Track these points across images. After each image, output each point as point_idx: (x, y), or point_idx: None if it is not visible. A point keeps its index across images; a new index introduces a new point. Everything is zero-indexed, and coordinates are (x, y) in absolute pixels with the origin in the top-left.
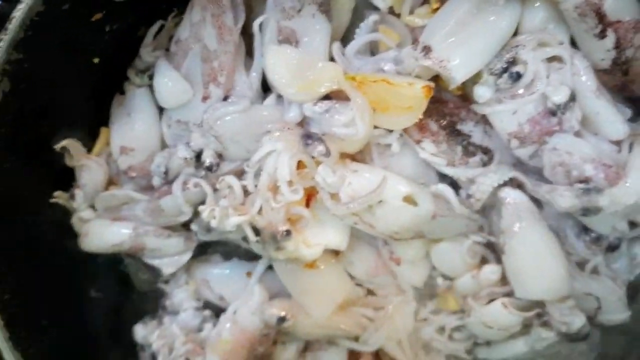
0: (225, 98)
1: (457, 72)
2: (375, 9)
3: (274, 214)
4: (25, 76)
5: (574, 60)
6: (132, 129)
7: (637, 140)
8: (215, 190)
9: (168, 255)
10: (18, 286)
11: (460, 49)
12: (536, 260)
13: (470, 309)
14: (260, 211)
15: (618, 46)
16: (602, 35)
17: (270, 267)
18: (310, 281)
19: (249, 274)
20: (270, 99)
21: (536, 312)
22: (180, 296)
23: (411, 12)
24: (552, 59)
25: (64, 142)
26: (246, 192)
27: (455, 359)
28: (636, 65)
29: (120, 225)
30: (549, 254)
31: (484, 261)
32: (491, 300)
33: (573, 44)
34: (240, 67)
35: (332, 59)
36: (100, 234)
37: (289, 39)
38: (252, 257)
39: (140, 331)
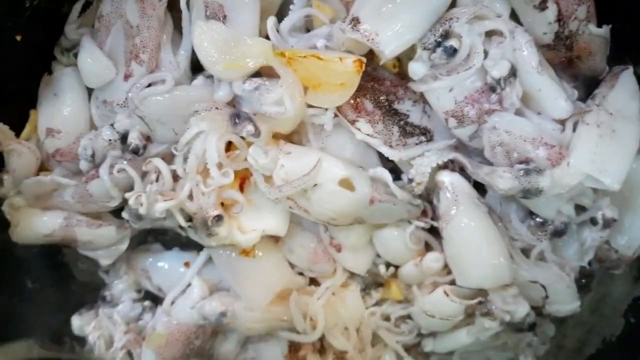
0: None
1: (386, 46)
2: None
3: (205, 198)
4: None
5: (515, 34)
6: (58, 111)
7: (582, 120)
8: (144, 175)
9: (103, 246)
10: None
11: (391, 22)
12: (474, 247)
13: (413, 298)
14: (191, 196)
15: (560, 19)
16: (542, 6)
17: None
18: (248, 269)
19: (187, 264)
20: (199, 79)
21: (478, 301)
22: (119, 287)
23: None
24: (491, 33)
25: None
26: (177, 177)
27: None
28: (581, 39)
29: (51, 214)
30: (487, 240)
31: (429, 248)
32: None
33: (515, 17)
34: (167, 44)
35: (266, 37)
36: (31, 224)
37: (216, 14)
38: (194, 246)
39: (76, 322)
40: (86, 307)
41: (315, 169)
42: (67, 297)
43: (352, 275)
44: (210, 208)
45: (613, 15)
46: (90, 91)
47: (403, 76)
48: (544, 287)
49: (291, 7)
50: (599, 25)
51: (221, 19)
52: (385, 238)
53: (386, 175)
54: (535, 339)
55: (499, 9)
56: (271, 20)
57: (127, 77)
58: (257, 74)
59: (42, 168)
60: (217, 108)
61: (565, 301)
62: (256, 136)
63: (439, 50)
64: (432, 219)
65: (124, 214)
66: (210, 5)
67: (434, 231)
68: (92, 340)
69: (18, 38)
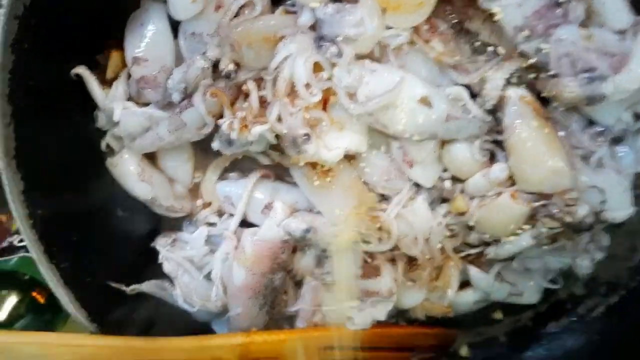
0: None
1: None
2: None
3: (293, 119)
4: None
5: None
6: (144, 40)
7: None
8: (233, 101)
9: None
10: (51, 204)
11: None
12: (536, 154)
13: (479, 207)
14: (279, 118)
15: None
16: None
17: (288, 183)
18: (327, 187)
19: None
20: (280, 9)
21: (542, 203)
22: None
23: None
24: None
25: (77, 70)
26: (262, 103)
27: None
28: None
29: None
30: (549, 148)
31: (492, 161)
32: None
33: None
34: None
35: None
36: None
37: None
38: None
39: (161, 240)
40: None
41: (399, 86)
42: (155, 225)
43: (419, 190)
44: (299, 127)
45: None
46: (173, 25)
47: None
48: (602, 191)
49: None
50: None
51: None
52: (455, 152)
53: (463, 93)
54: (591, 245)
55: None
56: None
57: (217, 8)
58: None
59: None
60: (302, 32)
61: (621, 206)
62: (339, 57)
63: None
64: (497, 132)
65: (215, 142)
66: None
67: (497, 143)
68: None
69: None
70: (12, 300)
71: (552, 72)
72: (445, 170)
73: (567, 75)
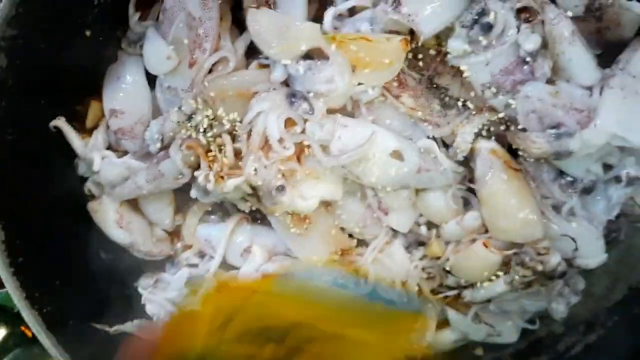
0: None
1: (426, 26)
2: None
3: (267, 171)
4: (20, 51)
5: (546, 9)
6: (121, 93)
7: (607, 84)
8: (208, 152)
9: None
10: (32, 251)
11: (429, 3)
12: (508, 206)
13: (454, 253)
14: (254, 170)
15: None
16: None
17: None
18: (304, 234)
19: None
20: (254, 64)
21: (513, 252)
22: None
23: None
24: (523, 9)
25: (56, 122)
26: (237, 155)
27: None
28: (610, 11)
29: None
30: (520, 200)
31: (467, 207)
32: None
33: None
34: (226, 32)
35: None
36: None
37: (267, 1)
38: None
39: (144, 281)
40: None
41: (370, 140)
42: (137, 266)
43: (395, 235)
44: (273, 179)
45: None
46: (150, 79)
47: (441, 52)
48: (574, 240)
49: None
50: None
51: (272, 5)
52: (429, 200)
53: (433, 147)
54: (566, 288)
55: None
56: (331, 11)
57: (191, 64)
58: (308, 55)
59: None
60: (274, 89)
61: (593, 253)
62: (311, 112)
63: (476, 27)
64: (469, 181)
65: (193, 192)
66: None
67: (471, 190)
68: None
69: (87, 33)
70: (0, 333)
71: (520, 127)
72: (420, 215)
73: (535, 130)
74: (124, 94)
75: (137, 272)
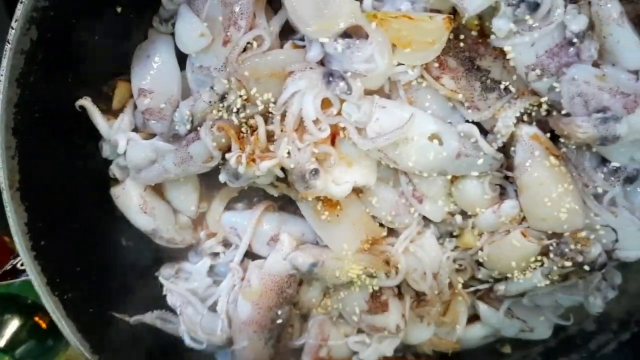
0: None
1: (471, 3)
2: None
3: (301, 154)
4: (51, 25)
5: None
6: (150, 72)
7: None
8: (240, 134)
9: None
10: (54, 235)
11: None
12: (548, 194)
13: (489, 243)
14: (287, 153)
15: None
16: None
17: (295, 214)
18: (335, 221)
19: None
20: (289, 44)
21: (553, 242)
22: (209, 243)
23: None
24: None
25: (82, 102)
26: (270, 138)
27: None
28: None
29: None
30: (561, 188)
31: (503, 196)
32: None
33: None
34: (260, 11)
35: None
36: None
37: None
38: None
39: (166, 271)
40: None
41: (409, 123)
42: (159, 255)
43: (427, 225)
44: (307, 162)
45: None
46: (181, 57)
47: (483, 33)
48: (615, 231)
49: None
50: None
51: None
52: (465, 188)
53: (474, 131)
54: (604, 282)
55: None
56: None
57: (225, 42)
58: (346, 34)
59: None
60: (310, 68)
61: (634, 246)
62: (348, 93)
63: (523, 5)
64: (507, 168)
65: (222, 175)
66: None
67: (507, 178)
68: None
69: (119, 9)
70: (14, 324)
71: (564, 111)
72: (454, 204)
73: (580, 115)
74: (153, 73)
75: (159, 261)
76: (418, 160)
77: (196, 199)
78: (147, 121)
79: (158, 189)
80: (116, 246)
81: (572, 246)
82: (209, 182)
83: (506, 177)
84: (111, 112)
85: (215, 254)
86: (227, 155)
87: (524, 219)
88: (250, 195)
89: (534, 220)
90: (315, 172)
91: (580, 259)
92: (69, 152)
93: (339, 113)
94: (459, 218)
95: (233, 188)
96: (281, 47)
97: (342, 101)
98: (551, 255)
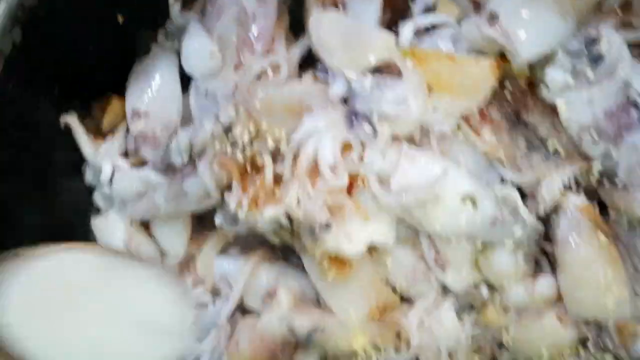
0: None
1: (526, 48)
2: None
3: (312, 202)
4: (39, 27)
5: None
6: (148, 91)
7: None
8: (244, 173)
9: None
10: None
11: (532, 21)
12: (593, 277)
13: (516, 323)
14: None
15: None
16: None
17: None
18: (344, 283)
19: None
20: (308, 76)
21: (594, 331)
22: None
23: None
24: (637, 44)
25: (66, 118)
26: (277, 180)
27: None
28: None
29: None
30: (609, 271)
31: (537, 271)
32: None
33: None
34: (280, 36)
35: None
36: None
37: (335, 2)
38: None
39: None
40: None
41: (442, 179)
42: None
43: (446, 294)
44: (319, 213)
45: None
46: (184, 81)
47: (533, 85)
48: None
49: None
50: None
51: (340, 7)
52: (495, 257)
53: (515, 195)
54: None
55: None
56: (411, 24)
57: (237, 67)
58: (376, 70)
59: None
60: (332, 105)
61: None
62: (374, 137)
63: (584, 56)
64: (545, 239)
65: (218, 218)
66: None
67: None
68: None
69: (120, 19)
70: None
71: (620, 182)
72: (480, 274)
73: (638, 187)
74: (151, 92)
75: None
76: (447, 224)
77: (186, 240)
78: (139, 147)
79: (145, 225)
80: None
81: (616, 338)
82: (202, 222)
83: (542, 250)
84: (99, 134)
85: (203, 304)
86: (226, 195)
87: (559, 299)
88: (248, 239)
89: (574, 304)
90: (327, 225)
91: (623, 354)
92: (49, 176)
93: (360, 160)
94: (484, 290)
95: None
96: (300, 78)
97: (364, 146)
98: (590, 346)
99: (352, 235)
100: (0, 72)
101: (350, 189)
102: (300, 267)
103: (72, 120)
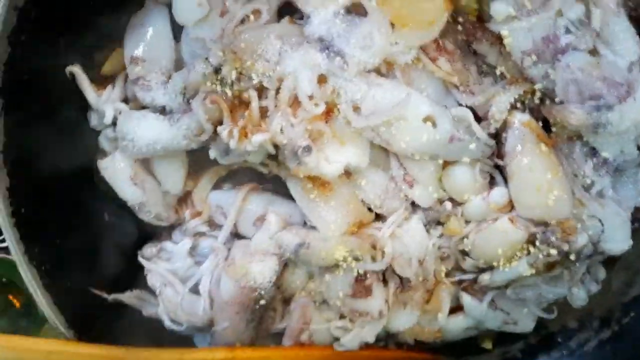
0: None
1: None
2: None
3: (294, 130)
4: None
5: None
6: (144, 40)
7: None
8: (233, 107)
9: None
10: (36, 203)
11: None
12: (537, 182)
13: (476, 231)
14: (280, 129)
15: None
16: None
17: (283, 196)
18: (324, 202)
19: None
20: (286, 19)
21: (540, 230)
22: (193, 223)
23: None
24: None
25: (72, 68)
26: (263, 113)
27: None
28: None
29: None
30: (551, 176)
31: (492, 185)
32: None
33: None
34: None
35: None
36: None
37: None
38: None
39: (148, 250)
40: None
41: (404, 102)
42: (141, 233)
43: (414, 211)
44: (300, 139)
45: None
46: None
47: (481, 18)
48: (601, 222)
49: None
50: None
51: None
52: (455, 174)
53: (468, 115)
54: (587, 276)
55: None
56: None
57: (223, 13)
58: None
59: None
60: (307, 43)
61: (619, 239)
62: (345, 69)
63: None
64: (497, 156)
65: (212, 151)
66: None
67: (497, 167)
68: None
69: None
70: None
71: (558, 99)
72: (444, 191)
73: (573, 102)
74: (146, 42)
75: (141, 239)
76: (411, 142)
77: (183, 176)
78: (138, 91)
79: (146, 164)
80: (98, 221)
81: (559, 235)
82: (197, 161)
83: (496, 166)
84: (101, 83)
85: (200, 234)
86: (218, 129)
87: (511, 209)
88: (239, 176)
89: (522, 208)
90: (308, 148)
91: (566, 247)
92: (57, 119)
93: (334, 90)
94: (448, 205)
95: (222, 166)
96: (278, 22)
97: (338, 78)
98: (538, 243)
99: (330, 158)
100: (15, 24)
101: (327, 117)
102: (288, 196)
103: (76, 69)
